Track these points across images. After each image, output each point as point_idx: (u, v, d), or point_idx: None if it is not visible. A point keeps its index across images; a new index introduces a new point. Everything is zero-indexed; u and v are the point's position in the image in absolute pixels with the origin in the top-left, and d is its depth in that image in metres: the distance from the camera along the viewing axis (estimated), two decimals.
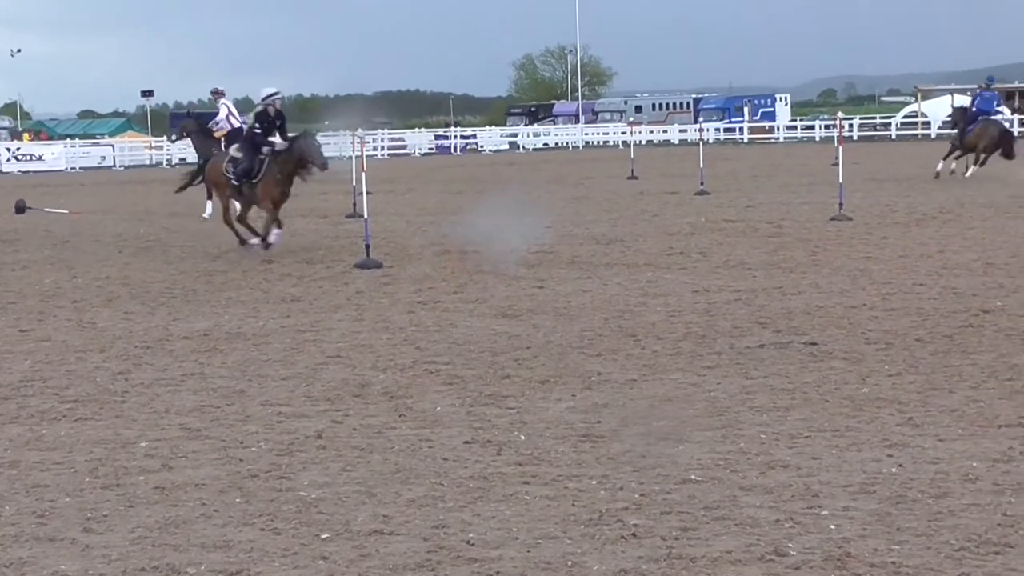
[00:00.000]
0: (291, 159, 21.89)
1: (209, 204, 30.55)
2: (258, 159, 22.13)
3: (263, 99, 22.00)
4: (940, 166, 39.10)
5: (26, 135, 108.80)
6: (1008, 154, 38.24)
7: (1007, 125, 43.25)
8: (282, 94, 22.58)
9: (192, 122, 32.27)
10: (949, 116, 43.25)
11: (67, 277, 19.73)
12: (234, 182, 22.51)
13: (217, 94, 31.60)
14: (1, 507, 7.87)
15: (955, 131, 39.75)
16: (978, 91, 40.80)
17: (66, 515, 7.67)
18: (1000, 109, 43.74)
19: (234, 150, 23.17)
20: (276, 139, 21.86)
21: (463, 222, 25.81)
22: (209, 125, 31.09)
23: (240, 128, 28.62)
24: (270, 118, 21.96)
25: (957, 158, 39.20)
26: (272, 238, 22.05)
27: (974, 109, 39.64)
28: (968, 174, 38.09)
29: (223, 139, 29.87)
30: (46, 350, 13.37)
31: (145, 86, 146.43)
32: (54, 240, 26.43)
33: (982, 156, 38.67)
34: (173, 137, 40.58)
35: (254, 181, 22.25)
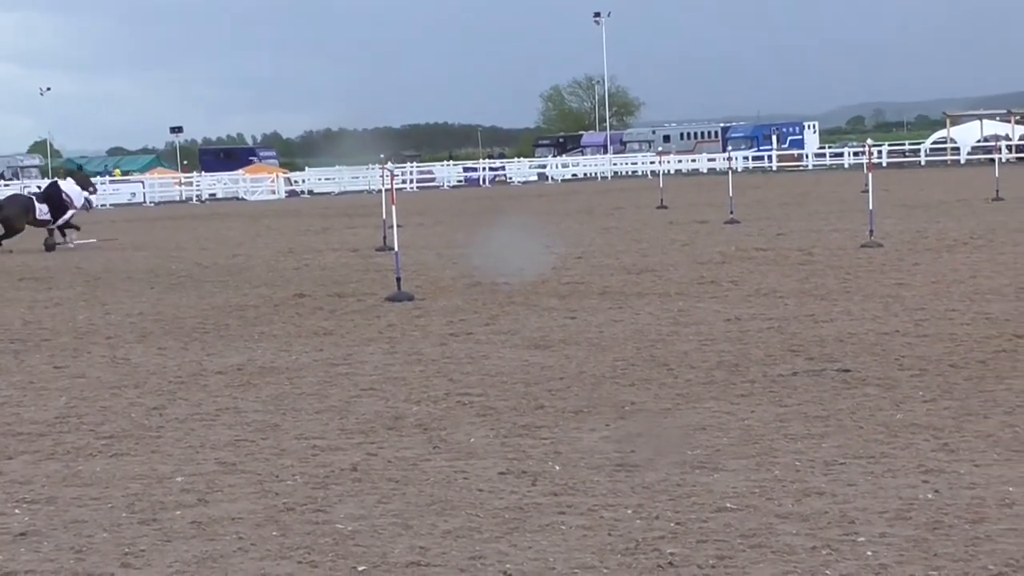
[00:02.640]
0: None
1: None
2: None
3: None
4: None
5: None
6: None
7: None
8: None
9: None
10: None
11: (100, 313, 19.81)
12: None
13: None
14: (40, 543, 7.90)
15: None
16: None
17: (104, 550, 7.70)
18: None
19: None
20: None
21: (493, 254, 25.85)
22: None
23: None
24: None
25: None
26: None
27: None
28: None
29: None
30: (81, 387, 13.42)
31: (174, 122, 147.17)
32: (86, 277, 26.54)
33: None
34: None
35: None
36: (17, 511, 8.66)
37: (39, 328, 18.33)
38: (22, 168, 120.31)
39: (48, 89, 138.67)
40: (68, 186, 35.54)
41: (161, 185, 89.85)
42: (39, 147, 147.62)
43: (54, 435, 11.05)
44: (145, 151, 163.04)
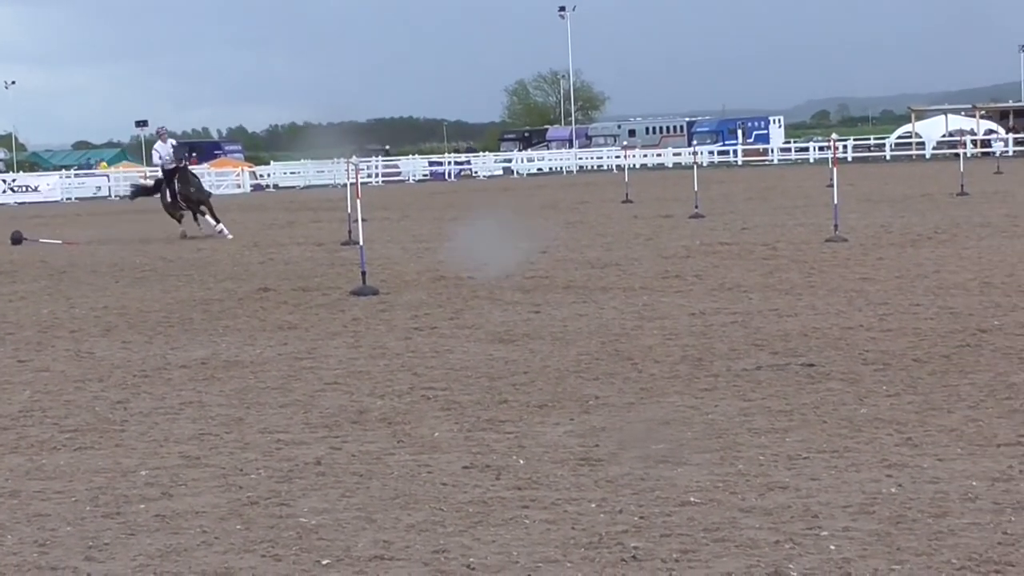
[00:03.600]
0: None
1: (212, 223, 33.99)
2: None
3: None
4: None
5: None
6: None
7: None
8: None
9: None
10: None
11: (64, 307, 19.74)
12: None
13: (163, 133, 36.05)
14: (3, 537, 7.87)
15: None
16: None
17: (68, 544, 7.68)
18: None
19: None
20: None
21: (458, 248, 25.85)
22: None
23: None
24: None
25: None
26: None
27: None
28: None
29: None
30: (45, 380, 13.38)
31: (139, 116, 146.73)
32: (51, 270, 26.44)
33: None
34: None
35: None
36: None
37: (3, 322, 18.25)
38: None
39: (13, 83, 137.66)
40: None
41: (126, 179, 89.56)
42: (4, 141, 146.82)
43: (18, 428, 11.02)
44: (111, 145, 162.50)
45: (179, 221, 34.54)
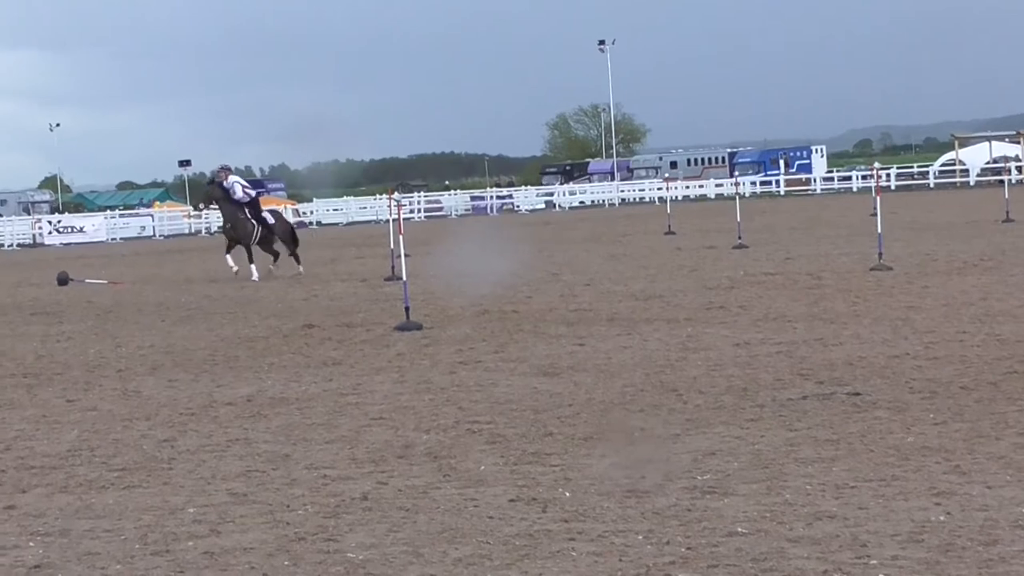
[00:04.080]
0: None
1: (254, 267, 32.74)
2: None
3: None
4: None
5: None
6: None
7: None
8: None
9: (217, 189, 33.78)
10: None
11: (111, 347, 19.84)
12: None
13: (226, 171, 34.43)
14: (54, 575, 7.91)
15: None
16: None
17: None
18: None
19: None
20: None
21: (504, 282, 25.88)
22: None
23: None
24: None
25: None
26: None
27: None
28: None
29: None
30: (92, 419, 13.44)
31: (182, 156, 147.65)
32: (97, 310, 26.58)
33: None
34: (200, 205, 43.00)
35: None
36: (31, 544, 8.68)
37: (51, 362, 18.36)
38: (33, 204, 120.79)
39: (57, 125, 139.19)
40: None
41: (170, 218, 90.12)
42: (49, 183, 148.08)
43: (67, 468, 11.07)
44: (155, 184, 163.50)
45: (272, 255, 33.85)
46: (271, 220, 33.86)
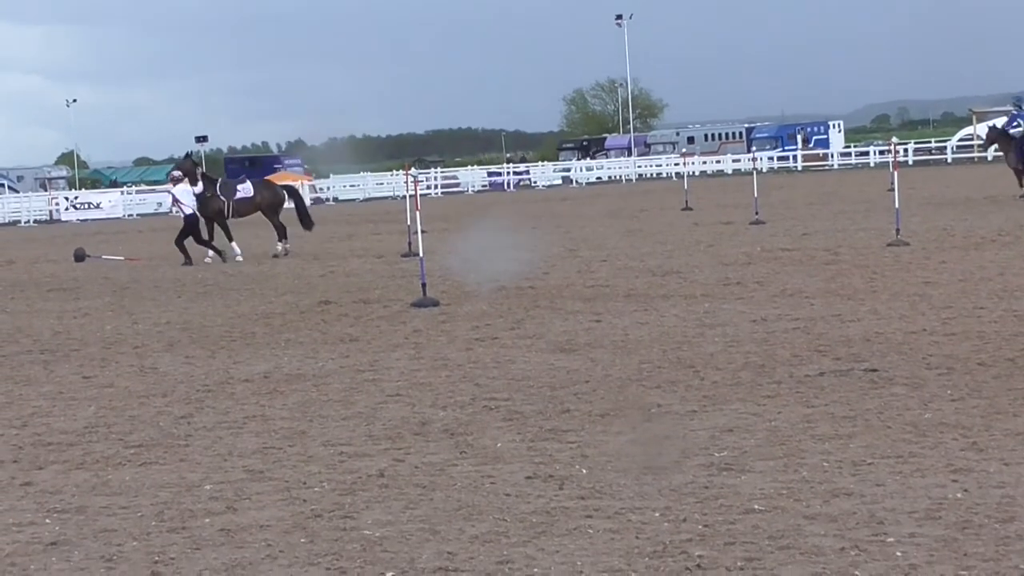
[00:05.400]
0: None
1: (234, 244, 32.13)
2: None
3: None
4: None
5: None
6: None
7: None
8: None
9: (187, 161, 34.05)
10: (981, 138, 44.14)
11: (128, 323, 19.87)
12: None
13: (175, 179, 33.05)
14: (70, 552, 7.94)
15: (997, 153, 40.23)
16: (1014, 112, 41.40)
17: (134, 559, 7.73)
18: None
19: None
20: None
21: (521, 258, 25.87)
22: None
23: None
24: None
25: None
26: None
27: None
28: None
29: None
30: (109, 396, 13.47)
31: (198, 132, 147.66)
32: (114, 287, 26.63)
33: None
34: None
35: None
36: (48, 520, 8.70)
37: (68, 338, 18.40)
38: (50, 180, 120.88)
39: (74, 101, 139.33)
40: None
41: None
42: (66, 159, 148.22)
43: (83, 444, 11.10)
44: (171, 161, 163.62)
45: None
46: (246, 194, 33.03)
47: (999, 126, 42.29)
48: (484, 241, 34.46)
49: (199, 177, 32.85)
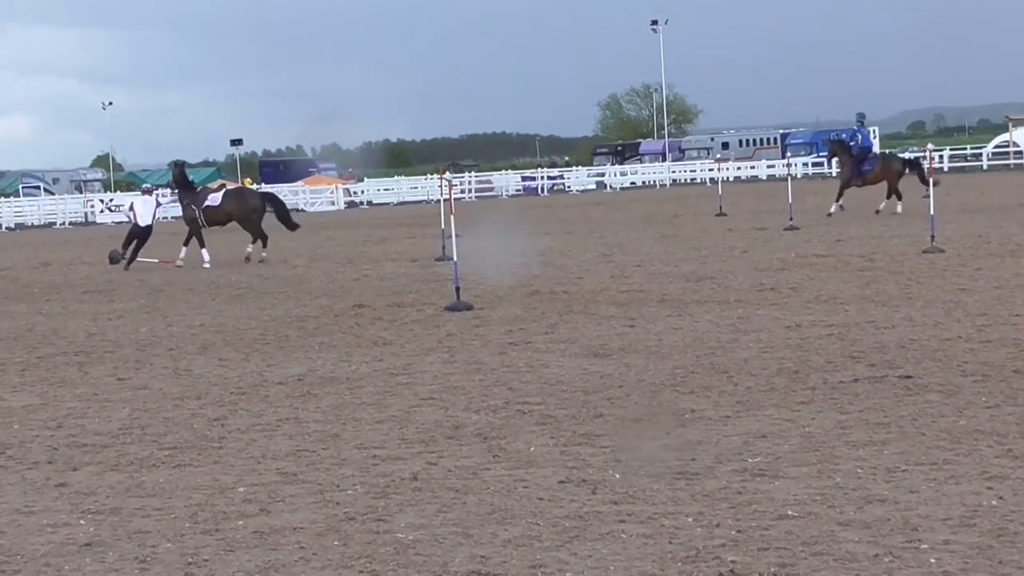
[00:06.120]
0: None
1: (204, 252, 33.29)
2: None
3: None
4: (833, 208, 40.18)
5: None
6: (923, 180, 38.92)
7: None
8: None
9: (176, 169, 36.81)
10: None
11: (162, 325, 19.95)
12: None
13: (147, 190, 36.99)
14: (104, 553, 7.97)
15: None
16: (857, 128, 42.97)
17: (167, 560, 7.76)
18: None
19: None
20: None
21: (554, 263, 25.86)
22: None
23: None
24: None
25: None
26: None
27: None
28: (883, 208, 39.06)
29: None
30: (143, 398, 13.52)
31: (233, 135, 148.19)
32: (148, 289, 26.73)
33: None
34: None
35: None
36: (82, 522, 8.74)
37: (102, 340, 18.47)
38: (85, 182, 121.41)
39: (110, 104, 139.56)
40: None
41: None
42: (102, 161, 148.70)
43: (118, 446, 11.14)
44: (206, 163, 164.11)
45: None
46: (213, 203, 34.04)
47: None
48: (516, 245, 34.44)
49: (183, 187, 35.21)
